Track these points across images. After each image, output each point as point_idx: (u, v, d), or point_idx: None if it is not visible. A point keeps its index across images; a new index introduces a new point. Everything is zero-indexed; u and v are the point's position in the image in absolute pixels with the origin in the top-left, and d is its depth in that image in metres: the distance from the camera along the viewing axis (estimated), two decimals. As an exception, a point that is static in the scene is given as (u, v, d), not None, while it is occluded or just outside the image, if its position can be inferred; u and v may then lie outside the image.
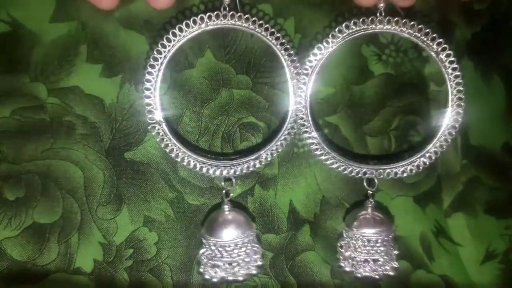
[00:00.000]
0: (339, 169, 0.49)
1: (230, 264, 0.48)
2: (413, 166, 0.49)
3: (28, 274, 0.48)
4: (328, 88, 0.51)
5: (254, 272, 0.49)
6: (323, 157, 0.49)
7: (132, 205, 0.49)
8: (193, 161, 0.48)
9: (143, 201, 0.49)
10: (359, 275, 0.50)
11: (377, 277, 0.49)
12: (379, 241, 0.49)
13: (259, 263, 0.49)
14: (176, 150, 0.48)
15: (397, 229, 0.51)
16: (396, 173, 0.49)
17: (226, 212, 0.48)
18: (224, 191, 0.49)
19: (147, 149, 0.49)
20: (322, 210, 0.51)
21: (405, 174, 0.49)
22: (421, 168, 0.49)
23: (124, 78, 0.49)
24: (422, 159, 0.49)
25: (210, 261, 0.48)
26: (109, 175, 0.49)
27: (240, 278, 0.48)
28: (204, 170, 0.48)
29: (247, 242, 0.48)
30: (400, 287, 0.52)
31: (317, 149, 0.49)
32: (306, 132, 0.49)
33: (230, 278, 0.48)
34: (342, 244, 0.50)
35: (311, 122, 0.49)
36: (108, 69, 0.49)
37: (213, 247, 0.48)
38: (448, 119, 0.48)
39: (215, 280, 0.48)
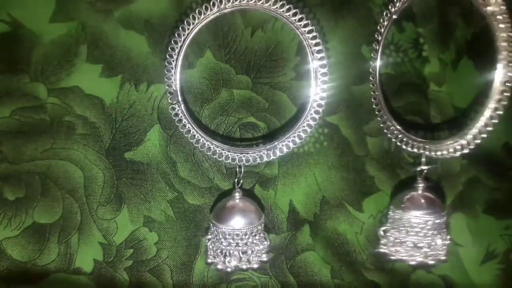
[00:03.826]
0: (401, 143, 0.48)
1: (236, 252, 0.47)
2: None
3: (28, 274, 0.48)
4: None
5: (261, 262, 0.48)
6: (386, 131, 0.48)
7: (132, 205, 0.49)
8: (211, 145, 0.47)
9: (143, 201, 0.49)
10: (393, 257, 0.49)
11: (430, 262, 0.48)
12: (428, 223, 0.47)
13: (264, 256, 0.48)
14: (193, 132, 0.47)
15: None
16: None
17: (237, 200, 0.48)
18: (236, 180, 0.49)
19: (147, 149, 0.49)
20: (322, 210, 0.51)
21: (457, 153, 0.47)
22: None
23: (124, 78, 0.49)
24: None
25: (215, 247, 0.47)
26: (109, 175, 0.49)
27: (244, 267, 0.47)
28: (224, 155, 0.47)
29: (256, 232, 0.47)
30: (400, 287, 0.52)
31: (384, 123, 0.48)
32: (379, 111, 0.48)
33: (229, 267, 0.47)
34: (385, 228, 0.49)
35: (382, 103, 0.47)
36: (108, 69, 0.49)
37: (218, 233, 0.47)
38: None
39: (219, 266, 0.47)
